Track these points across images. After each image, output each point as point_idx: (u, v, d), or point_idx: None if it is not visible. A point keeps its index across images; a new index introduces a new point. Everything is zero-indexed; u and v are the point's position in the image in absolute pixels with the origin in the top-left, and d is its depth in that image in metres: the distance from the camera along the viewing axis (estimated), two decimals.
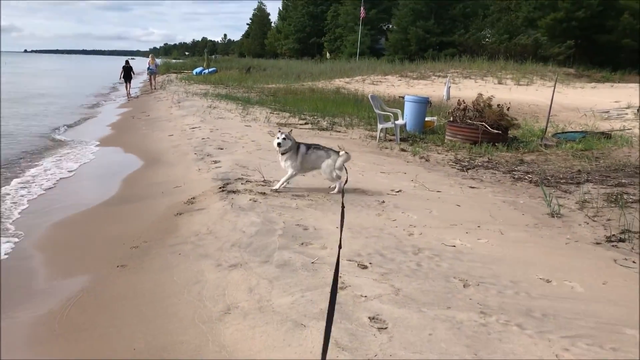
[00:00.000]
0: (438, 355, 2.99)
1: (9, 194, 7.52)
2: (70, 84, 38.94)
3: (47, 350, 3.55)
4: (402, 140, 11.59)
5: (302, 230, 5.11)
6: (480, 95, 11.62)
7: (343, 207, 4.00)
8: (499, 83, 28.72)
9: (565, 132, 12.85)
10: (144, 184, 7.73)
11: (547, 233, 5.58)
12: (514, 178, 8.27)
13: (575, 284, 4.20)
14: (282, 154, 6.60)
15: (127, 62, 27.63)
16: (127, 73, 26.94)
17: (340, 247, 2.75)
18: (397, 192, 6.99)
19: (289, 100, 20.05)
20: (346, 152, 6.75)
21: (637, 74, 34.05)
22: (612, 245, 5.26)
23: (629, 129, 13.09)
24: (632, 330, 3.43)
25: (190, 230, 5.41)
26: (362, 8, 49.13)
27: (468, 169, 8.94)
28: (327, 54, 59.31)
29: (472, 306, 3.65)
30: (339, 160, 6.64)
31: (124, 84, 27.26)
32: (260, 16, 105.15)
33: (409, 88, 28.20)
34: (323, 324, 3.30)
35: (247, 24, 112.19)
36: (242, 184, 6.86)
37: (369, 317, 3.39)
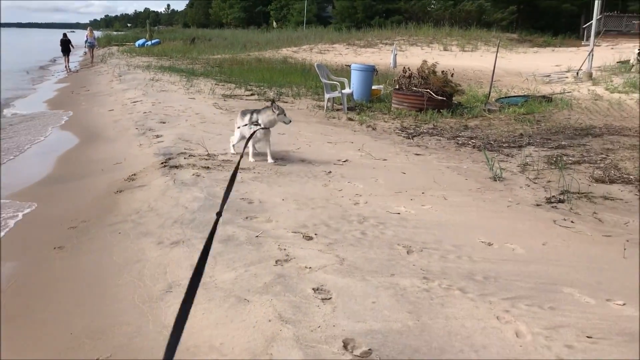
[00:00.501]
0: (381, 322, 3.00)
1: None
2: (3, 59, 36.97)
3: None
4: (350, 109, 11.55)
5: (246, 204, 5.03)
6: (425, 62, 11.67)
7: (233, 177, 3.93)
8: (445, 50, 29.03)
9: (508, 97, 13.10)
10: (83, 162, 7.45)
11: (490, 197, 5.69)
12: (458, 144, 8.38)
13: (516, 245, 4.30)
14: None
15: (64, 35, 26.81)
16: (66, 47, 26.15)
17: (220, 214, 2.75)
18: (344, 162, 6.97)
19: (235, 71, 19.69)
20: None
21: (577, 38, 35.02)
22: (552, 207, 5.40)
23: (568, 92, 13.45)
24: (569, 288, 3.54)
25: (130, 207, 5.25)
26: None
27: (414, 136, 9.00)
28: (274, 23, 58.47)
29: (415, 272, 3.68)
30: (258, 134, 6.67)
31: (63, 58, 26.28)
32: None
33: (356, 56, 28.16)
34: (267, 297, 3.27)
35: None
36: (184, 158, 6.70)
37: (313, 289, 3.37)
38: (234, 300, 3.29)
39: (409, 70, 11.60)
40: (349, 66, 14.19)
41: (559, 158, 7.23)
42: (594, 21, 17.46)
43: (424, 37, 32.66)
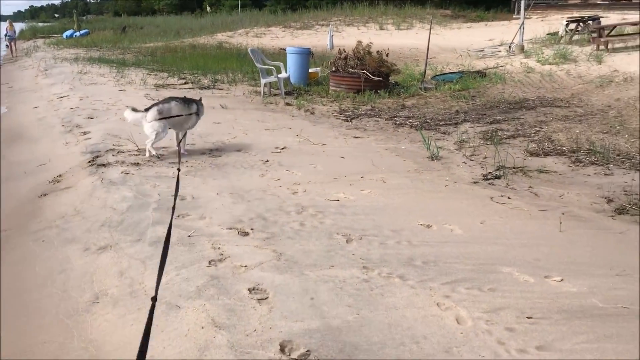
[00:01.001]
0: (320, 320, 2.89)
1: None
2: None
3: None
4: (287, 94, 11.36)
5: (179, 200, 4.80)
6: (360, 42, 11.57)
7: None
8: (381, 29, 29.07)
9: (444, 74, 13.19)
10: (3, 165, 6.97)
11: (428, 177, 5.66)
12: (395, 124, 8.35)
13: (454, 226, 4.27)
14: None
15: None
16: None
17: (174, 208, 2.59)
18: (282, 149, 6.81)
19: (168, 59, 19.06)
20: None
21: (508, 12, 35.79)
22: (489, 183, 5.43)
23: (502, 66, 13.66)
24: (508, 268, 3.52)
25: (55, 212, 4.92)
26: None
27: (352, 118, 8.91)
28: (208, 8, 57.06)
29: (354, 262, 3.58)
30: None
31: None
32: None
33: (293, 39, 27.83)
34: (200, 302, 3.10)
35: None
36: (113, 155, 6.37)
37: (249, 289, 3.22)
38: (165, 307, 3.09)
39: (345, 51, 11.48)
40: (285, 50, 13.95)
41: (494, 133, 7.30)
42: None
43: (359, 17, 32.59)
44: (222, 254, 3.69)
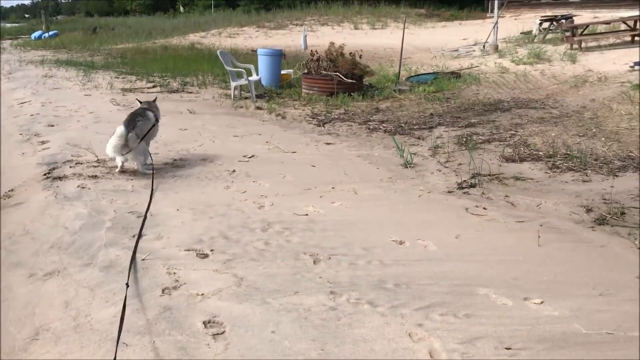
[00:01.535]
0: (281, 357, 2.62)
1: None
2: None
3: None
4: (258, 97, 11.05)
5: (135, 218, 4.49)
6: (332, 44, 11.32)
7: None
8: (355, 28, 28.89)
9: (418, 75, 13.01)
10: None
11: (401, 186, 5.43)
12: (369, 129, 8.11)
13: (428, 242, 4.04)
14: None
15: None
16: None
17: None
18: (250, 157, 6.52)
19: (138, 62, 18.60)
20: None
21: (482, 11, 35.90)
22: (464, 192, 5.21)
23: (476, 67, 13.54)
24: (485, 289, 3.30)
25: (3, 232, 4.56)
26: None
27: (325, 123, 8.65)
28: (181, 8, 56.31)
29: (321, 286, 3.32)
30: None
31: None
32: None
33: (267, 39, 27.51)
34: (149, 339, 2.81)
35: None
36: (70, 167, 6.01)
37: (204, 322, 2.93)
38: (111, 345, 2.79)
39: (317, 53, 11.21)
40: (255, 51, 13.64)
41: (469, 138, 7.11)
42: None
43: (334, 17, 32.36)
44: (177, 280, 3.40)
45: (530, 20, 22.03)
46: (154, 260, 3.69)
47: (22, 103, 10.90)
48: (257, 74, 11.73)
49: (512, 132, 7.40)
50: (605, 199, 4.84)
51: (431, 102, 9.94)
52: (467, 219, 4.53)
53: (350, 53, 11.08)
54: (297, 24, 30.83)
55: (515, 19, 24.74)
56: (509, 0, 28.28)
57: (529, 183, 5.42)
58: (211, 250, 3.84)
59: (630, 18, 14.22)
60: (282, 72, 12.66)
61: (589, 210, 4.63)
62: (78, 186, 5.34)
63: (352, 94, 10.60)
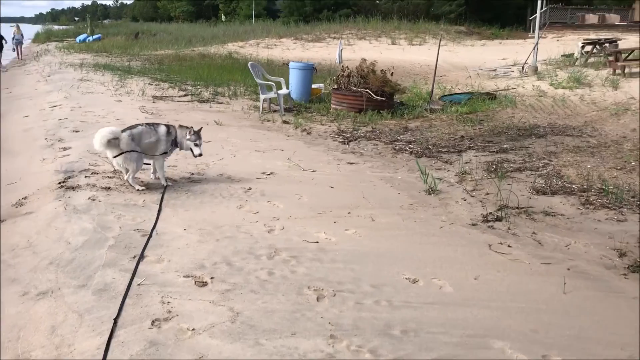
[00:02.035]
0: None
1: None
2: None
3: None
4: (287, 110, 10.91)
5: (140, 237, 4.33)
6: (364, 60, 11.11)
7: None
8: (393, 43, 28.72)
9: (452, 94, 12.69)
10: None
11: (422, 215, 5.15)
12: (395, 149, 7.84)
13: (444, 282, 3.76)
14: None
15: None
16: None
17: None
18: (268, 174, 6.33)
19: (174, 68, 18.75)
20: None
21: (524, 30, 35.26)
22: (489, 226, 4.90)
23: (513, 89, 13.15)
24: (501, 342, 3.01)
25: (6, 244, 4.45)
26: None
27: (350, 141, 8.42)
28: (223, 17, 57.09)
29: (322, 328, 3.08)
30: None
31: None
32: None
33: (304, 51, 27.56)
34: None
35: None
36: (86, 176, 5.92)
37: None
38: None
39: (348, 68, 11.02)
40: (287, 64, 13.53)
41: (499, 165, 6.78)
42: (538, 13, 17.30)
43: (372, 31, 32.23)
44: (169, 311, 3.20)
45: (572, 42, 21.48)
46: (150, 287, 3.50)
47: (54, 106, 10.99)
48: (287, 87, 11.58)
49: (546, 161, 7.04)
50: None
51: (463, 123, 9.63)
52: (489, 257, 4.23)
53: (382, 70, 10.85)
54: (334, 37, 30.81)
55: (557, 40, 24.15)
56: (551, 21, 27.67)
57: (559, 219, 5.07)
58: (211, 278, 3.64)
59: None
60: (313, 86, 12.52)
61: (622, 255, 4.27)
62: (89, 198, 5.22)
63: (381, 111, 10.36)
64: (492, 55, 22.46)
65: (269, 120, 10.10)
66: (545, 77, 14.23)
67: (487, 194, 5.83)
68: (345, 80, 10.83)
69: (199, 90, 13.60)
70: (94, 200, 5.18)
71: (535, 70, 15.20)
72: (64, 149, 7.34)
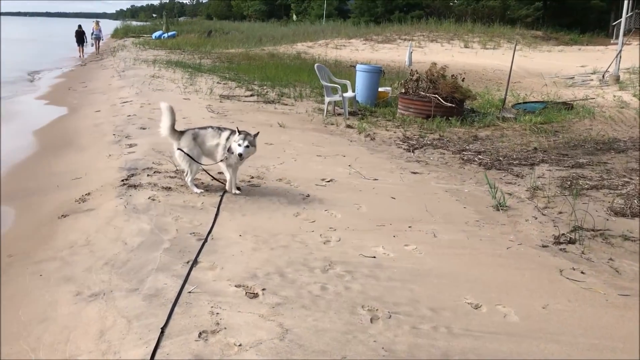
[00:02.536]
0: None
1: None
2: (26, 51, 36.35)
3: None
4: (352, 114, 10.74)
5: (195, 241, 4.28)
6: (434, 64, 10.78)
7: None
8: (466, 47, 28.00)
9: (526, 102, 12.15)
10: (40, 175, 6.76)
11: (488, 233, 4.85)
12: (462, 160, 7.52)
13: (509, 309, 3.48)
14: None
15: (79, 26, 28.52)
16: (80, 37, 28.15)
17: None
18: (328, 182, 6.19)
19: (242, 67, 18.98)
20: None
21: (606, 36, 33.56)
22: (561, 249, 4.56)
23: (592, 99, 12.44)
24: None
25: (66, 240, 4.53)
26: None
27: (415, 148, 8.16)
28: (294, 16, 57.56)
29: (374, 353, 2.89)
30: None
31: (78, 48, 28.44)
32: None
33: (373, 52, 27.33)
34: None
35: None
36: (148, 175, 5.97)
37: None
38: None
39: (417, 73, 10.73)
40: (354, 66, 13.36)
41: (574, 182, 6.35)
42: (623, 19, 16.36)
43: (444, 33, 31.57)
44: (218, 323, 3.10)
45: None
46: (200, 295, 3.42)
47: (125, 102, 11.29)
48: (353, 90, 11.41)
49: (626, 179, 6.54)
50: None
51: (537, 134, 9.16)
52: (560, 284, 3.91)
53: (453, 75, 10.50)
54: (405, 39, 30.38)
55: None
56: (637, 27, 26.14)
57: None
58: (262, 290, 3.52)
59: None
60: (380, 89, 12.29)
61: None
62: (149, 197, 5.25)
63: (450, 118, 10.01)
64: (570, 62, 21.45)
65: (332, 124, 9.97)
66: (627, 87, 13.40)
67: (560, 212, 5.45)
68: (414, 85, 10.56)
69: (266, 90, 13.66)
70: (153, 200, 5.20)
71: (617, 79, 14.34)
72: (130, 145, 7.48)
